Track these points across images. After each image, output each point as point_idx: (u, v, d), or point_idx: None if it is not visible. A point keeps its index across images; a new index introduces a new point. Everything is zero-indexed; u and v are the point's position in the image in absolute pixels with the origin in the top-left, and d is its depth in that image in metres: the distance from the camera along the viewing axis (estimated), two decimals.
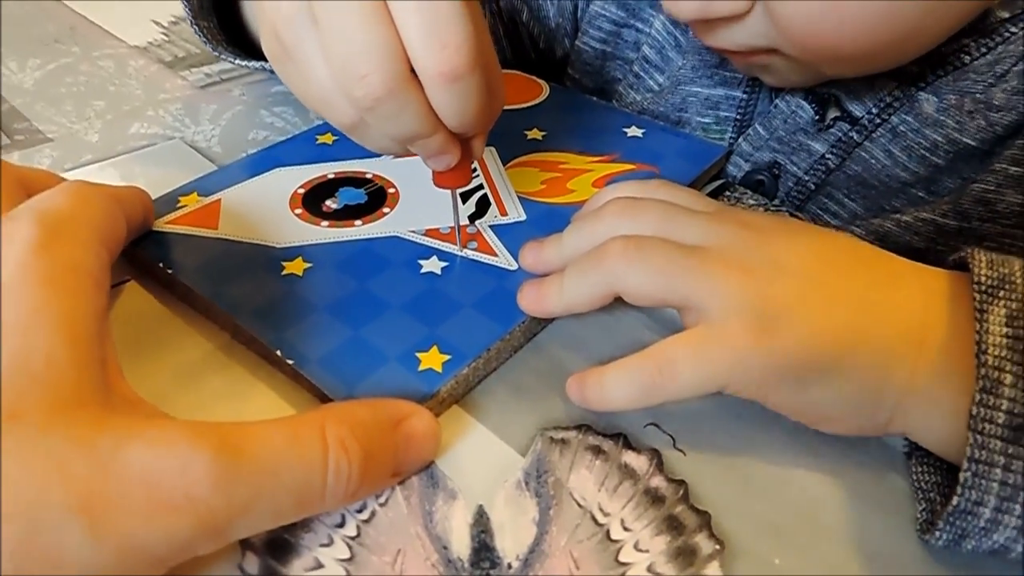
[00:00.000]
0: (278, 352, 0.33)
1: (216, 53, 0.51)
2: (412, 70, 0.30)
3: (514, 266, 0.39)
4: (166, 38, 0.68)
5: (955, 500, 0.27)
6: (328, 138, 0.49)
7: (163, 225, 0.40)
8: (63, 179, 0.37)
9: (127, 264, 0.40)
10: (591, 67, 0.61)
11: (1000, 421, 0.26)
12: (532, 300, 0.36)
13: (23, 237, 0.27)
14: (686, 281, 0.32)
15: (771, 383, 0.30)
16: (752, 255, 0.32)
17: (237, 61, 0.52)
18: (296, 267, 0.38)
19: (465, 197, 0.44)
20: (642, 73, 0.58)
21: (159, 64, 0.63)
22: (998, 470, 0.26)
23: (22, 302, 0.25)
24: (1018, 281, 0.28)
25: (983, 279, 0.28)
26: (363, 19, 0.29)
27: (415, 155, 0.34)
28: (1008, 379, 0.26)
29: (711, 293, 0.31)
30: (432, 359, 0.33)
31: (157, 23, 0.71)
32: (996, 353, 0.27)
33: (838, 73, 0.46)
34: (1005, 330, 0.27)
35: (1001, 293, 0.28)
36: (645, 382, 0.31)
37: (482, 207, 0.43)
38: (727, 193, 0.50)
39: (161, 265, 0.38)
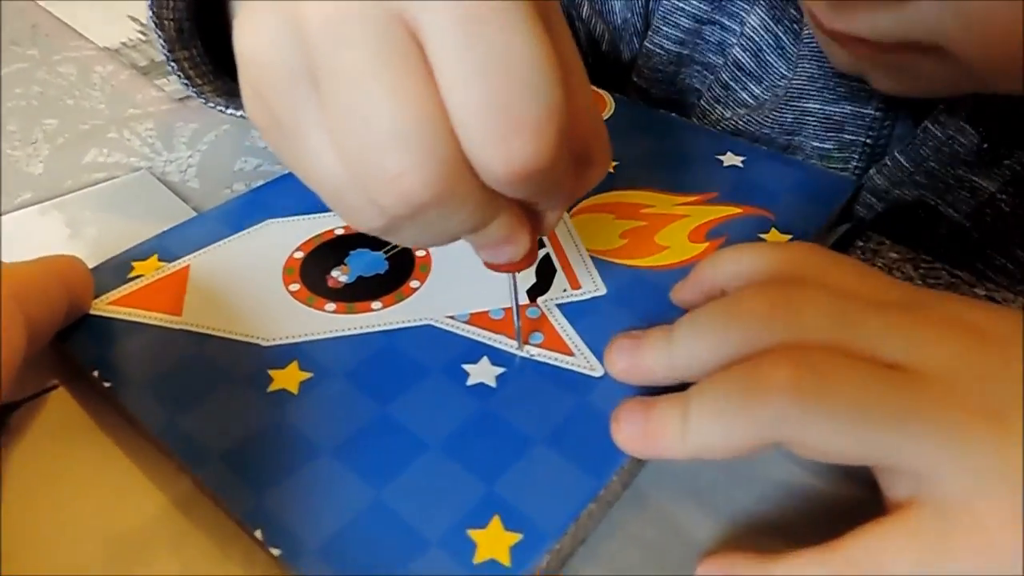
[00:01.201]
0: (257, 534, 0.22)
1: (203, 100, 0.38)
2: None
3: (599, 371, 0.27)
4: (143, 38, 0.57)
5: None
6: None
7: (105, 307, 0.29)
8: None
9: (56, 361, 0.28)
10: (663, 73, 0.49)
11: None
12: (636, 438, 0.24)
13: None
14: (899, 432, 0.20)
15: None
16: (998, 389, 0.20)
17: (230, 111, 0.39)
18: (289, 379, 0.27)
19: None
20: (732, 83, 0.45)
21: (131, 70, 0.52)
22: None
23: None
24: None
25: None
26: (390, 86, 0.18)
27: None
28: None
29: (945, 456, 0.20)
30: (493, 542, 0.22)
31: (134, 19, 0.60)
32: None
33: (1012, 88, 0.33)
34: None
35: None
36: None
37: (545, 276, 0.31)
38: (860, 243, 0.38)
39: (96, 374, 0.26)
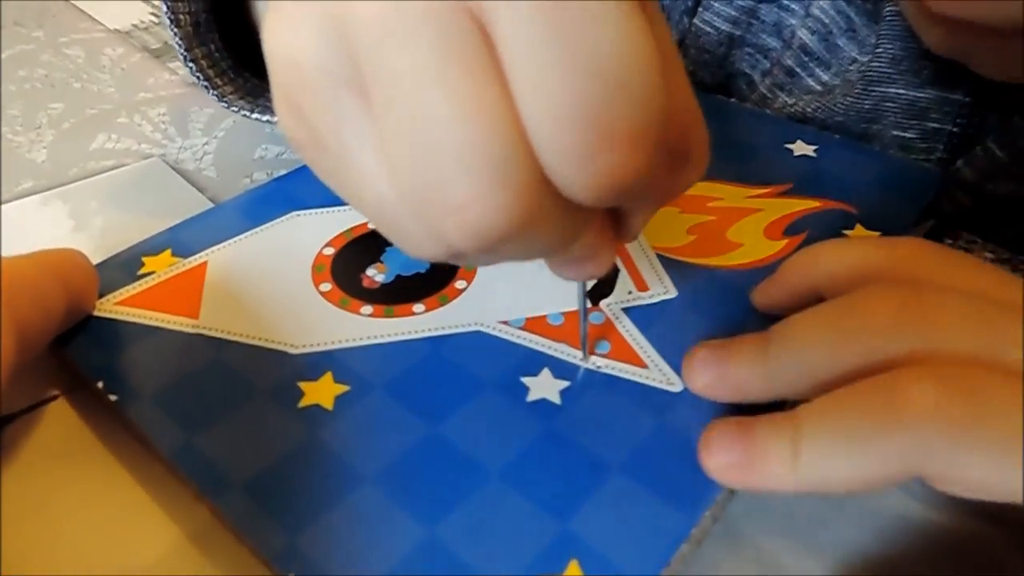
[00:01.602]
0: None
1: (224, 104, 0.34)
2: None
3: (677, 385, 0.23)
4: (155, 20, 0.53)
5: None
6: None
7: (111, 308, 0.25)
8: None
9: (55, 368, 0.25)
10: (711, 56, 0.46)
11: None
12: (734, 467, 0.20)
13: None
14: None
15: None
16: None
17: (255, 116, 0.34)
18: (323, 392, 0.23)
19: None
20: (797, 68, 0.42)
21: (143, 53, 0.48)
22: None
23: None
24: None
25: None
26: (455, 93, 0.14)
27: None
28: None
29: None
30: None
31: (147, 0, 0.56)
32: None
33: None
34: None
35: None
36: None
37: (607, 277, 0.28)
38: (948, 241, 0.34)
39: (101, 385, 0.23)
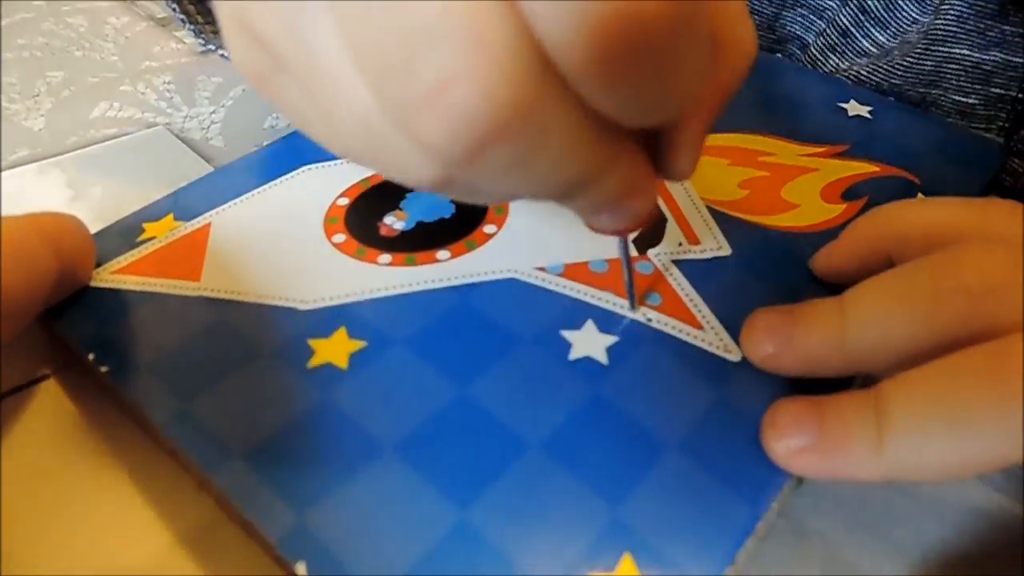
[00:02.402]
0: (299, 569, 0.15)
1: (200, 40, 0.32)
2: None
3: (735, 354, 0.20)
4: None
5: None
6: None
7: (108, 277, 0.23)
8: None
9: (47, 345, 0.22)
10: (762, 16, 0.43)
11: None
12: (807, 452, 0.18)
13: None
14: None
15: None
16: None
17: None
18: (336, 350, 0.20)
19: None
20: (853, 28, 0.39)
21: (148, 22, 0.46)
22: None
23: None
24: None
25: None
26: None
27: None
28: None
29: None
30: None
31: None
32: None
33: None
34: None
35: None
36: None
37: (654, 224, 0.25)
38: None
39: (92, 358, 0.20)
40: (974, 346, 0.16)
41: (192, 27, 0.31)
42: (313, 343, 0.20)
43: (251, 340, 0.20)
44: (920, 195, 0.27)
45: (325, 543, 0.16)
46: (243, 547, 0.18)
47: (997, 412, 0.15)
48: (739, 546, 0.16)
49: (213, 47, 0.32)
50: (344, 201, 0.26)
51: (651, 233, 0.24)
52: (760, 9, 0.42)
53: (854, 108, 0.32)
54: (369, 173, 0.27)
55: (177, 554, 0.18)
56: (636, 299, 0.21)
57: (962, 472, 0.16)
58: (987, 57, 0.34)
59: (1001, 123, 0.34)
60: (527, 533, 0.16)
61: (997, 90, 0.34)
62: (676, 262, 0.23)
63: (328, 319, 0.21)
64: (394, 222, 0.25)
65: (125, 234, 0.25)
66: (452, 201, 0.25)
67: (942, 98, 0.36)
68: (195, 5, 0.32)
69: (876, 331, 0.18)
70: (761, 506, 0.17)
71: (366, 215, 0.25)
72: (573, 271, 0.23)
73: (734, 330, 0.21)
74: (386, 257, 0.23)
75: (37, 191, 0.32)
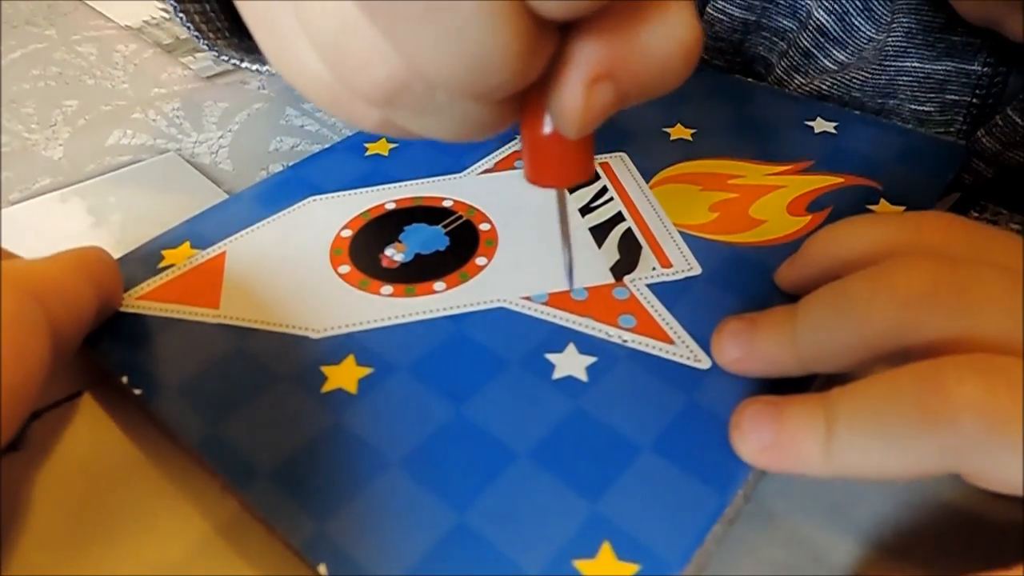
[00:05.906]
0: (321, 570, 0.18)
1: (214, 52, 0.35)
2: None
3: (705, 362, 0.23)
4: (166, 16, 0.53)
5: None
6: (383, 147, 0.33)
7: (133, 303, 0.25)
8: None
9: (79, 364, 0.25)
10: (726, 42, 0.45)
11: None
12: (765, 450, 0.20)
13: None
14: None
15: None
16: None
17: (245, 64, 0.35)
18: (346, 376, 0.23)
19: (602, 233, 0.28)
20: (814, 49, 0.41)
21: (155, 48, 0.48)
22: None
23: None
24: None
25: None
26: None
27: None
28: None
29: None
30: (604, 574, 0.18)
31: None
32: None
33: None
34: None
35: None
36: None
37: (630, 251, 0.27)
38: (974, 213, 0.34)
39: (125, 380, 0.23)
40: (910, 364, 0.18)
41: (205, 42, 0.33)
42: (326, 370, 0.23)
43: (270, 367, 0.23)
44: (882, 200, 0.30)
45: (342, 546, 0.18)
46: (267, 542, 0.20)
47: (924, 433, 0.17)
48: (708, 530, 0.19)
49: (226, 58, 0.34)
50: (347, 233, 0.28)
51: (625, 259, 0.27)
52: (726, 36, 0.44)
53: (820, 125, 0.34)
54: (369, 206, 0.29)
55: (206, 550, 0.20)
56: (572, 279, 0.24)
57: (900, 477, 0.18)
58: (939, 67, 0.36)
59: (958, 127, 0.37)
60: (517, 531, 0.19)
61: (952, 96, 0.37)
62: (650, 286, 0.26)
63: (338, 347, 0.24)
64: (394, 254, 0.27)
65: (145, 261, 0.27)
66: (446, 234, 0.28)
67: (900, 107, 0.38)
68: (207, 25, 0.34)
69: (821, 336, 0.20)
70: (727, 494, 0.19)
71: (368, 247, 0.27)
72: (556, 299, 0.25)
73: (704, 342, 0.23)
74: (388, 288, 0.26)
75: (60, 219, 0.34)
